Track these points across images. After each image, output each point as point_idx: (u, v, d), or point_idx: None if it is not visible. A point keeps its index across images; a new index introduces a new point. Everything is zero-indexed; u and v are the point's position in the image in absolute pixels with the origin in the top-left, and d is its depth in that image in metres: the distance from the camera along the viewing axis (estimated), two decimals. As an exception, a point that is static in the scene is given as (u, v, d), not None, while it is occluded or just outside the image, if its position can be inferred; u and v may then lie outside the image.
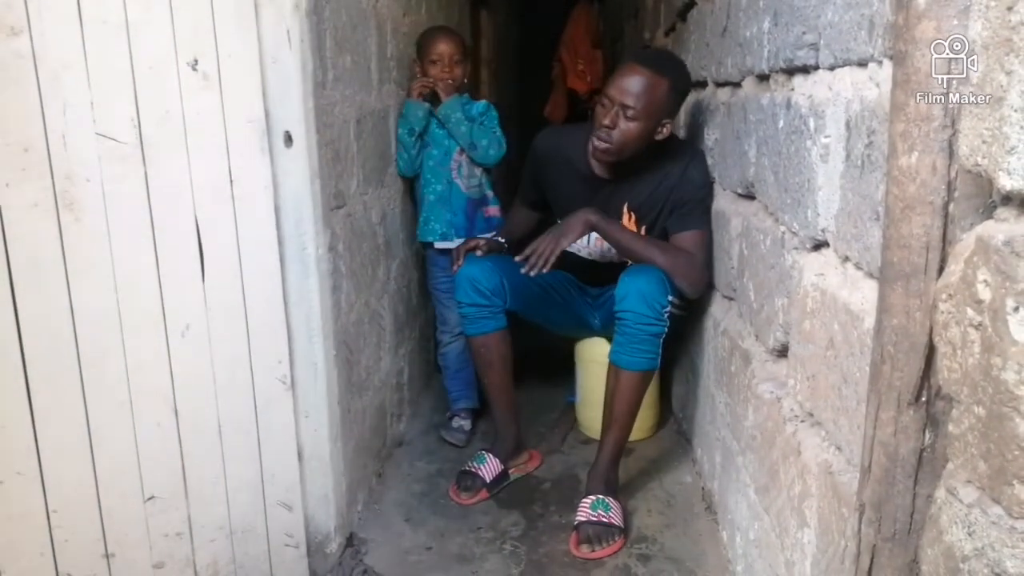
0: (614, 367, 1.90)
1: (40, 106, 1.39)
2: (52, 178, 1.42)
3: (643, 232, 2.07)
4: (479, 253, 2.12)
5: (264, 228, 1.53)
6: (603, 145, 1.92)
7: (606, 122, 1.89)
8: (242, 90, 1.46)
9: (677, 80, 1.94)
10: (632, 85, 1.87)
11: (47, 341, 1.48)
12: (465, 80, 2.39)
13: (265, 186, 1.51)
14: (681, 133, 2.45)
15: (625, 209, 2.08)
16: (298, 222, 1.57)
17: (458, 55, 2.34)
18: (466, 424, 2.44)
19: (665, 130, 1.95)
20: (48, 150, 1.41)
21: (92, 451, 1.55)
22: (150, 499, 1.60)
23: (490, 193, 2.50)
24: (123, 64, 1.41)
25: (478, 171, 2.44)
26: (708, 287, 2.06)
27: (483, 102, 2.41)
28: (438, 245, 2.41)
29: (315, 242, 1.60)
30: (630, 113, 1.87)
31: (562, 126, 3.62)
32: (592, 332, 2.31)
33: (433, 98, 2.36)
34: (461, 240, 2.27)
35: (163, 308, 1.52)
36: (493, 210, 2.50)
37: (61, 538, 1.57)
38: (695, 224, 1.98)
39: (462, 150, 2.37)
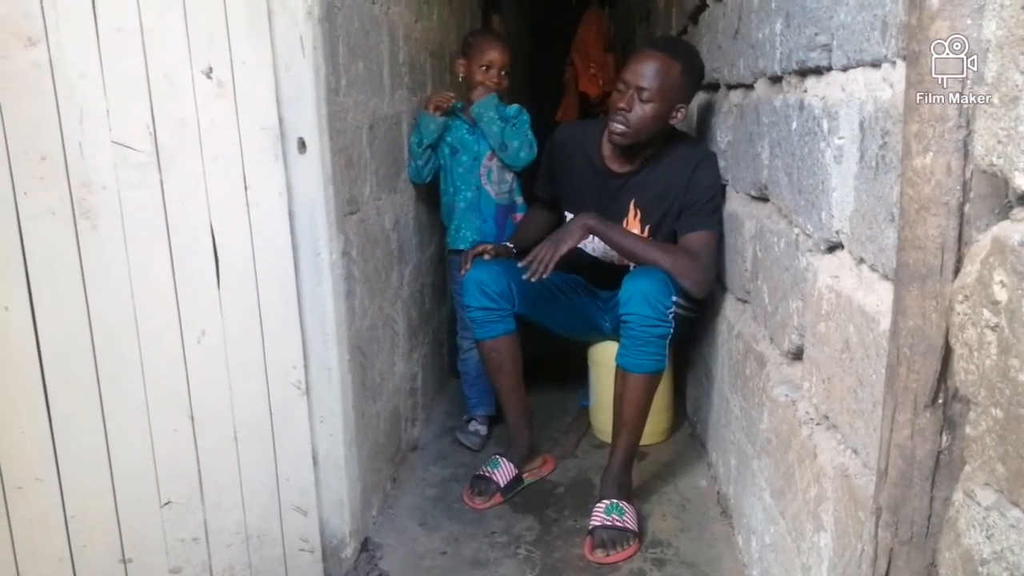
0: (621, 370, 1.90)
1: (57, 115, 1.41)
2: (69, 186, 1.44)
3: (647, 233, 2.07)
4: (487, 258, 2.13)
5: (278, 234, 1.54)
6: (620, 128, 1.95)
7: (622, 105, 1.93)
8: (256, 97, 1.47)
9: (689, 63, 1.97)
10: (646, 68, 1.92)
11: (64, 347, 1.50)
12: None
13: (279, 192, 1.52)
14: (693, 135, 2.45)
15: (631, 206, 2.09)
16: (312, 228, 1.58)
17: (509, 66, 2.35)
18: (482, 429, 2.44)
19: (680, 115, 1.98)
20: (65, 158, 1.43)
21: (109, 457, 1.56)
22: (166, 504, 1.61)
23: (520, 199, 2.49)
24: (138, 72, 1.42)
25: (509, 176, 2.43)
26: (720, 288, 2.05)
27: (515, 106, 2.39)
28: None
29: (329, 247, 1.61)
30: (645, 95, 1.91)
31: (580, 121, 3.63)
32: (603, 335, 2.30)
33: (450, 112, 2.35)
34: None
35: (179, 314, 1.53)
36: (521, 216, 2.48)
37: (79, 543, 1.58)
38: (702, 224, 1.98)
39: (491, 155, 2.36)
